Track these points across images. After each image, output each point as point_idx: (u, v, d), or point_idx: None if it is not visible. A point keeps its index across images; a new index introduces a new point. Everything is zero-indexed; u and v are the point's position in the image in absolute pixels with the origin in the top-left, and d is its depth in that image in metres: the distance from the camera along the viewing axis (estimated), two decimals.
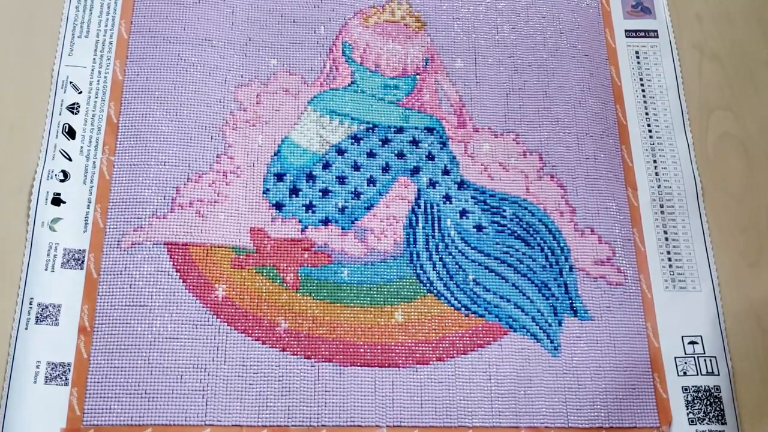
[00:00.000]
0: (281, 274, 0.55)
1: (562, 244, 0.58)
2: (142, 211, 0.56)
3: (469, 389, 0.53)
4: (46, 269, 0.53)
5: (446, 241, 0.57)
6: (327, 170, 0.59)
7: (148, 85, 0.59)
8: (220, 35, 0.62)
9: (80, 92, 0.59)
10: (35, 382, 0.50)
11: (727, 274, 0.57)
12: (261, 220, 0.56)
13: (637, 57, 0.64)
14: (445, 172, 0.59)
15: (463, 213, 0.58)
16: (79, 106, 0.59)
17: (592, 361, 0.54)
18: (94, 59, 0.60)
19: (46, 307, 0.52)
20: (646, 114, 0.62)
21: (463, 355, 0.54)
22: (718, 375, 0.54)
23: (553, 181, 0.60)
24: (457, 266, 0.56)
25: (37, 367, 0.51)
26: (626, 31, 0.65)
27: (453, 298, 0.55)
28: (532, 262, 0.57)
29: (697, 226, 0.59)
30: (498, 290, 0.56)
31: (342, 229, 0.57)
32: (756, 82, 0.63)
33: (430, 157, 0.60)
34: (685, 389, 0.53)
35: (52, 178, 0.56)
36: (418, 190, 0.59)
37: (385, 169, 0.59)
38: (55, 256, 0.54)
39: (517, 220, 0.58)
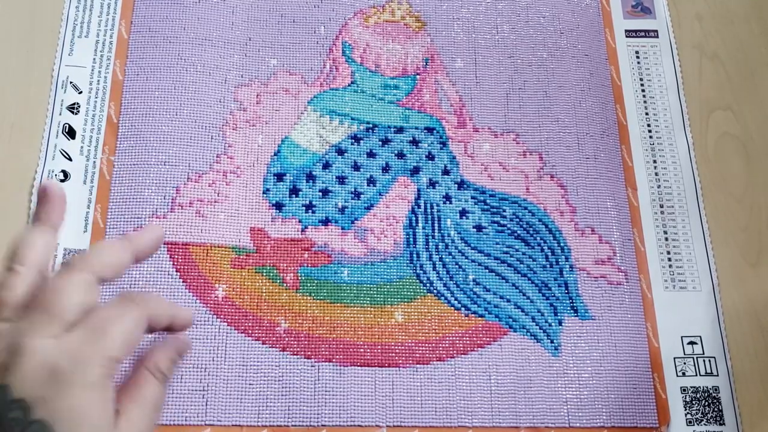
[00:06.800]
0: (281, 274, 0.55)
1: (562, 244, 0.58)
2: (142, 211, 0.56)
3: (469, 389, 0.53)
4: None
5: (446, 241, 0.57)
6: (327, 170, 0.59)
7: (148, 85, 0.59)
8: (220, 35, 0.62)
9: (80, 92, 0.59)
10: None
11: (727, 274, 0.57)
12: (261, 220, 0.56)
13: (637, 57, 0.64)
14: (445, 172, 0.59)
15: (463, 213, 0.58)
16: (79, 106, 0.59)
17: (592, 361, 0.54)
18: (94, 59, 0.60)
19: None
20: (646, 114, 0.62)
21: (463, 355, 0.54)
22: (717, 375, 0.54)
23: (554, 181, 0.60)
24: (457, 266, 0.56)
25: None
26: (626, 31, 0.65)
27: (453, 298, 0.55)
28: (532, 262, 0.57)
29: (697, 226, 0.59)
30: (498, 290, 0.56)
31: (342, 229, 0.57)
32: (756, 82, 0.63)
33: (430, 157, 0.60)
34: (684, 390, 0.54)
35: (52, 178, 0.56)
36: (418, 190, 0.59)
37: (385, 169, 0.59)
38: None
39: (517, 220, 0.58)
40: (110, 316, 0.29)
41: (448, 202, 0.58)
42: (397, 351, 0.53)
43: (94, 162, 0.57)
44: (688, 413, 0.53)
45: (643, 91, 0.63)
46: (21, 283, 0.29)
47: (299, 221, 0.57)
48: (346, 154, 0.59)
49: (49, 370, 0.26)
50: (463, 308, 0.55)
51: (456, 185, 0.59)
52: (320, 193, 0.58)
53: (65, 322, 0.28)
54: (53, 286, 0.29)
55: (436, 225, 0.58)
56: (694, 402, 0.53)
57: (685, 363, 0.54)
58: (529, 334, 0.55)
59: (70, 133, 0.58)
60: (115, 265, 0.31)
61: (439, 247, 0.57)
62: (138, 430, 0.29)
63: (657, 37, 0.65)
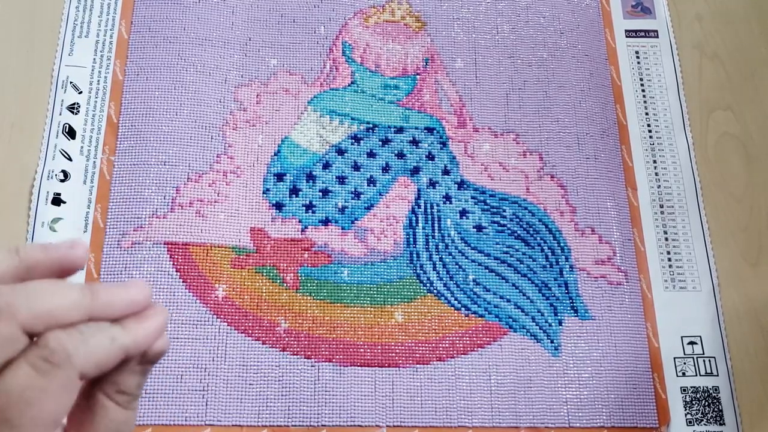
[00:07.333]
0: (281, 274, 0.55)
1: (562, 244, 0.58)
2: (143, 211, 0.56)
3: (469, 389, 0.53)
4: None
5: (446, 241, 0.57)
6: (327, 170, 0.59)
7: (148, 85, 0.59)
8: (220, 35, 0.62)
9: (80, 92, 0.59)
10: None
11: (727, 274, 0.57)
12: (261, 220, 0.56)
13: (637, 57, 0.64)
14: (445, 172, 0.59)
15: (463, 213, 0.58)
16: (79, 106, 0.59)
17: (592, 361, 0.54)
18: (95, 59, 0.60)
19: None
20: (646, 114, 0.62)
21: (463, 355, 0.54)
22: (717, 375, 0.54)
23: (554, 181, 0.60)
24: (457, 266, 0.56)
25: None
26: (626, 31, 0.65)
27: (453, 298, 0.55)
28: (532, 262, 0.57)
29: (697, 226, 0.59)
30: (498, 290, 0.56)
31: (342, 229, 0.57)
32: (756, 82, 0.63)
33: (430, 157, 0.60)
34: (684, 390, 0.54)
35: (52, 178, 0.56)
36: (418, 190, 0.59)
37: (385, 169, 0.59)
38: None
39: (517, 220, 0.58)
40: (19, 393, 0.21)
41: (448, 202, 0.58)
42: (397, 351, 0.53)
43: (94, 162, 0.57)
44: (688, 413, 0.53)
45: (643, 91, 0.63)
46: None
47: (299, 221, 0.57)
48: (346, 154, 0.59)
49: None
50: (463, 308, 0.55)
51: (456, 185, 0.59)
52: (320, 193, 0.58)
53: None
54: None
55: (436, 225, 0.58)
56: (694, 402, 0.53)
57: (685, 363, 0.54)
58: (529, 334, 0.55)
59: (70, 133, 0.58)
60: (56, 316, 0.22)
61: (439, 247, 0.57)
62: None
63: (657, 37, 0.65)
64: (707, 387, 0.54)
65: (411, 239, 0.57)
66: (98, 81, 0.60)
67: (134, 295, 0.24)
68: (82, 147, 0.57)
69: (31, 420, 0.20)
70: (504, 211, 0.58)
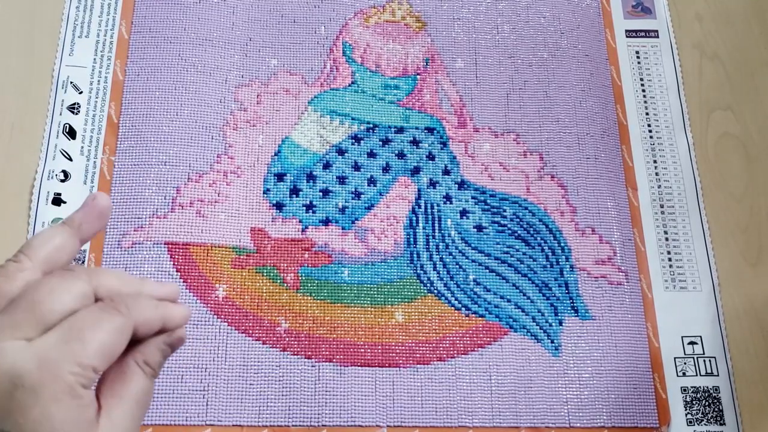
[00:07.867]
0: (281, 274, 0.55)
1: (562, 244, 0.58)
2: (143, 210, 0.56)
3: (470, 389, 0.53)
4: None
5: (446, 241, 0.57)
6: (327, 170, 0.59)
7: (149, 85, 0.59)
8: (220, 35, 0.62)
9: (81, 92, 0.59)
10: None
11: (727, 274, 0.57)
12: (261, 220, 0.56)
13: (638, 57, 0.64)
14: (446, 172, 0.59)
15: (464, 213, 0.58)
16: (79, 106, 0.59)
17: (592, 361, 0.54)
18: (95, 59, 0.60)
19: None
20: (647, 114, 0.63)
21: (463, 355, 0.54)
22: (718, 375, 0.54)
23: (554, 181, 0.60)
24: (457, 266, 0.56)
25: None
26: (626, 31, 0.65)
27: (453, 298, 0.55)
28: (532, 262, 0.57)
29: (697, 226, 0.59)
30: (498, 290, 0.56)
31: (342, 229, 0.57)
32: (756, 82, 0.63)
33: (431, 157, 0.60)
34: (684, 390, 0.54)
35: (52, 178, 0.56)
36: (419, 190, 0.59)
37: (386, 169, 0.59)
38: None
39: (518, 220, 0.58)
40: (90, 321, 0.26)
41: (448, 202, 0.58)
42: (397, 351, 0.53)
43: (95, 162, 0.57)
44: (688, 413, 0.53)
45: (643, 91, 0.63)
46: (21, 276, 0.27)
47: (300, 221, 0.57)
48: (346, 154, 0.59)
49: (14, 377, 0.24)
50: (463, 308, 0.55)
51: (456, 185, 0.59)
52: (321, 193, 0.58)
53: (44, 325, 0.26)
54: (46, 287, 0.27)
55: (436, 225, 0.58)
56: (694, 402, 0.53)
57: (685, 363, 0.54)
58: (529, 334, 0.55)
59: (71, 133, 0.58)
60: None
61: (440, 247, 0.57)
62: (121, 430, 0.27)
63: (657, 37, 0.65)
64: (707, 387, 0.54)
65: (411, 239, 0.57)
66: (98, 81, 0.60)
67: (169, 287, 0.31)
68: (82, 147, 0.57)
69: (96, 341, 0.26)
70: (504, 211, 0.58)
